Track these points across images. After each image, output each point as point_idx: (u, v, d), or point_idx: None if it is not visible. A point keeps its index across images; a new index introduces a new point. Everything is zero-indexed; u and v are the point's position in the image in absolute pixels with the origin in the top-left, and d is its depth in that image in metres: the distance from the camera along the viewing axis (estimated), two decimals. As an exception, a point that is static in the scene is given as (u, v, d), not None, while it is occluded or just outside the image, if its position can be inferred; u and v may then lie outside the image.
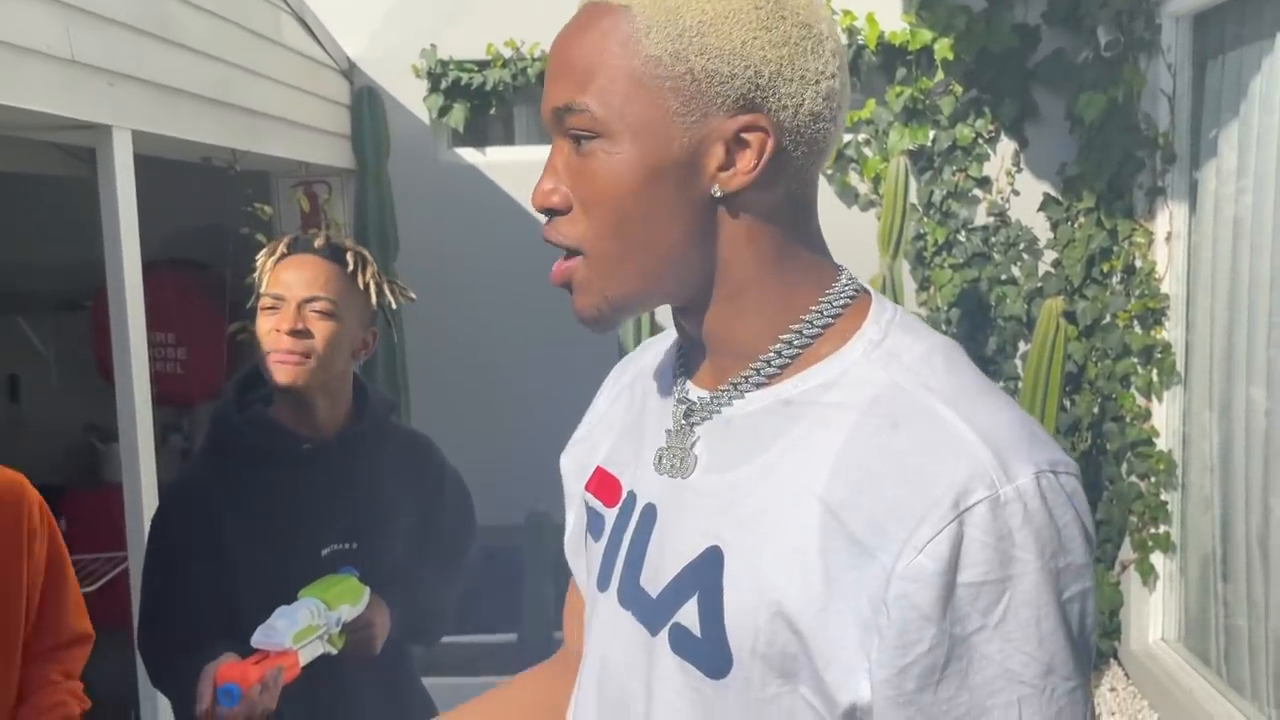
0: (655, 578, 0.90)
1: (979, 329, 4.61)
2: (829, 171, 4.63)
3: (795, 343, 0.88)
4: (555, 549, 1.20)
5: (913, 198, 4.48)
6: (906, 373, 0.84)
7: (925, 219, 4.63)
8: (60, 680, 1.85)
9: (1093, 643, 0.80)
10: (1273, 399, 3.48)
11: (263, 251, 1.90)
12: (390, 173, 4.60)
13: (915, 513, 0.76)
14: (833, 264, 0.92)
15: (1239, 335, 3.68)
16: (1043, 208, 4.56)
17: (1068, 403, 4.47)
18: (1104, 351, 4.44)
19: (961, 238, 4.64)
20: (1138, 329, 4.37)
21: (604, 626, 0.96)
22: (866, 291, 0.92)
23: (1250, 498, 3.62)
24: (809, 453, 0.83)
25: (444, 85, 4.74)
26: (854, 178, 4.68)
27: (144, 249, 2.68)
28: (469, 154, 4.84)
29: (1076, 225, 4.52)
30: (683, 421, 0.93)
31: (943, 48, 4.52)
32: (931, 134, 4.60)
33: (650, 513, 0.93)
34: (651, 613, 0.89)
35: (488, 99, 4.78)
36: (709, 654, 0.84)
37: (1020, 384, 4.22)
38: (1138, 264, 4.38)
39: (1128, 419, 4.39)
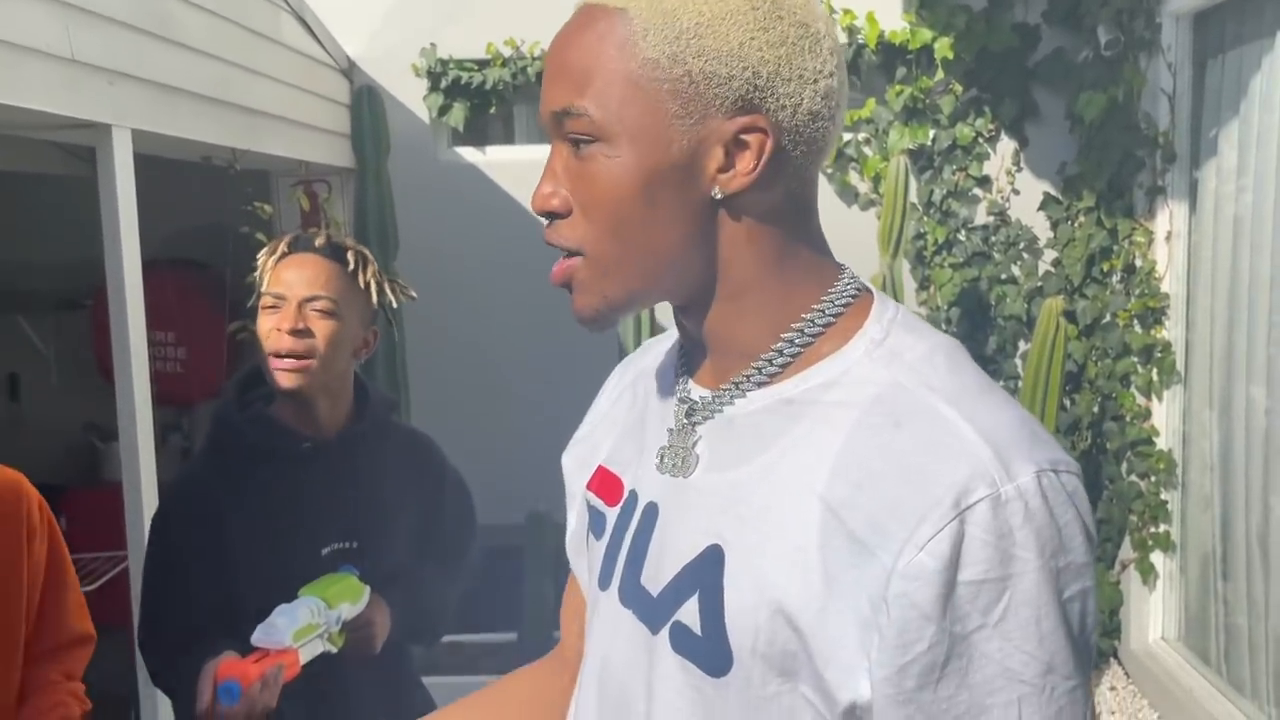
0: (656, 576, 0.90)
1: (979, 328, 4.61)
2: (829, 171, 4.63)
3: (797, 342, 0.88)
4: (555, 548, 1.20)
5: (913, 197, 4.48)
6: (908, 372, 0.84)
7: (925, 218, 4.63)
8: (61, 681, 1.84)
9: (1093, 642, 0.80)
10: (1273, 398, 3.48)
11: (264, 250, 1.90)
12: (390, 172, 4.60)
13: (916, 511, 0.76)
14: (834, 263, 0.92)
15: (1239, 334, 3.68)
16: (1043, 207, 4.56)
17: (1068, 402, 4.47)
18: (1104, 351, 4.44)
19: (961, 237, 4.64)
20: (1138, 328, 4.37)
21: (605, 625, 0.96)
22: (868, 290, 0.92)
23: (1250, 497, 3.62)
24: (810, 451, 0.83)
25: (444, 84, 4.74)
26: (854, 177, 4.68)
27: (144, 248, 2.68)
28: (469, 153, 4.84)
29: (1076, 224, 4.52)
30: (684, 421, 0.93)
31: (943, 47, 4.52)
32: (931, 133, 4.60)
33: (652, 511, 0.93)
34: (652, 611, 0.90)
35: (487, 98, 4.78)
36: (709, 652, 0.84)
37: (1020, 383, 4.23)
38: (1138, 263, 4.38)
39: (1128, 418, 4.39)
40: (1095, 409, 4.44)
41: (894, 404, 0.82)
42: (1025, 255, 4.63)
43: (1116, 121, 4.30)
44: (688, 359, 0.97)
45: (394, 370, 4.49)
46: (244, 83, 3.43)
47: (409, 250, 4.57)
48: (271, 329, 1.82)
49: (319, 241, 1.88)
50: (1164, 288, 4.30)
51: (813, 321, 0.88)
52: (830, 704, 0.80)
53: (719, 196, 0.85)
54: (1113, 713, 4.21)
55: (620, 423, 1.04)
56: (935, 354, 0.85)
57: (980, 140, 4.61)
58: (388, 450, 1.99)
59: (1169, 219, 4.25)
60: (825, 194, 4.52)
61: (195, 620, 1.81)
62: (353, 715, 1.89)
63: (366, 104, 4.57)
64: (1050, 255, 4.62)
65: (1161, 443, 4.34)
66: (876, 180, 4.61)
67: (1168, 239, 4.26)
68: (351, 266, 1.88)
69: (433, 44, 4.73)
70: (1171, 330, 4.28)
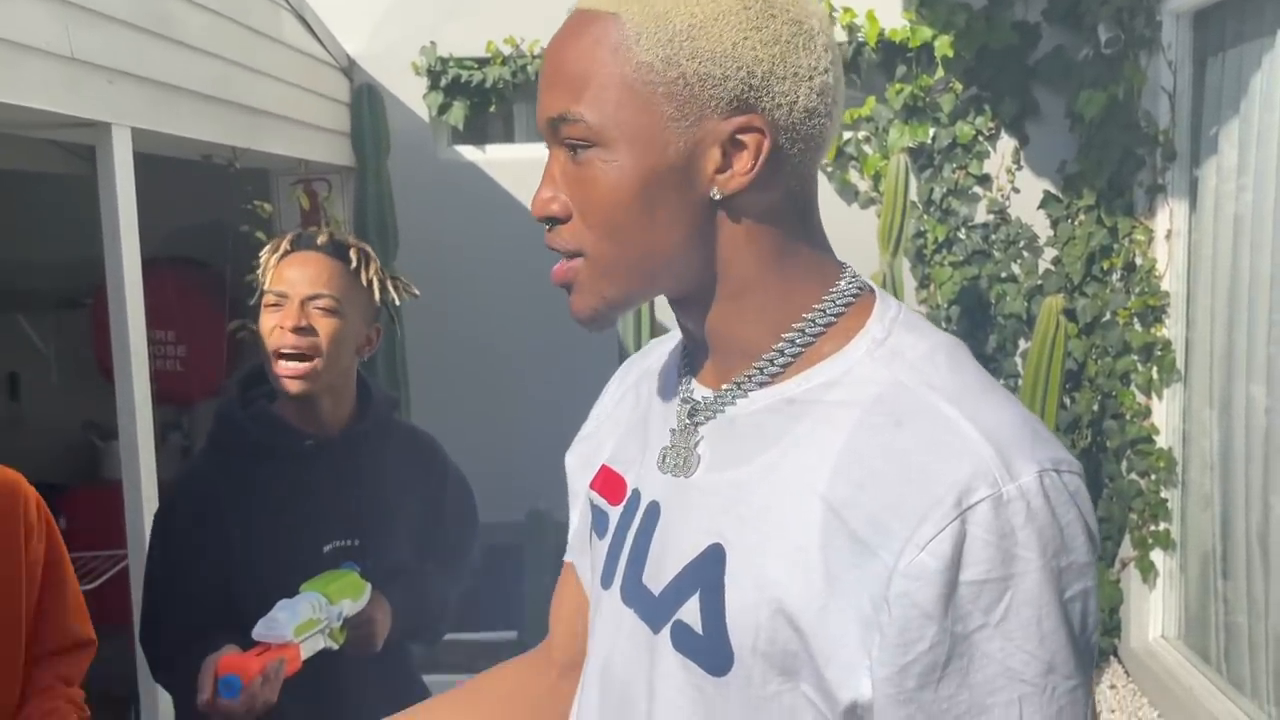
0: (658, 576, 0.90)
1: (979, 327, 4.61)
2: (829, 169, 4.63)
3: (798, 341, 0.88)
4: (556, 546, 1.20)
5: (913, 195, 4.48)
6: (910, 371, 0.84)
7: (925, 216, 4.63)
8: (59, 686, 1.83)
9: (1094, 642, 0.79)
10: (1273, 396, 3.48)
11: (266, 248, 1.90)
12: (390, 170, 4.60)
13: (917, 511, 0.76)
14: (835, 261, 0.92)
15: (1239, 333, 3.68)
16: (1043, 205, 4.56)
17: (1068, 400, 4.47)
18: (1104, 349, 4.44)
19: (961, 235, 4.64)
20: (1138, 326, 4.37)
21: (607, 624, 0.96)
22: (870, 289, 0.92)
23: (1250, 495, 3.62)
24: (811, 451, 0.83)
25: (444, 82, 4.74)
26: (854, 175, 4.68)
27: (144, 247, 2.68)
28: (469, 151, 4.84)
29: (1077, 223, 4.52)
30: (687, 421, 0.93)
31: (943, 45, 4.52)
32: (931, 131, 4.60)
33: (654, 511, 0.93)
34: (654, 610, 0.90)
35: (487, 96, 4.77)
36: (710, 651, 0.84)
37: (1020, 382, 4.23)
38: (1138, 261, 4.38)
39: (1128, 416, 4.39)
40: (1095, 407, 4.44)
41: (895, 403, 0.82)
42: (1025, 253, 4.63)
43: (1117, 120, 4.29)
44: (690, 359, 0.97)
45: (394, 368, 4.49)
46: (244, 81, 3.43)
47: (409, 249, 4.57)
48: (274, 327, 1.82)
49: (321, 239, 1.88)
50: (1164, 286, 4.30)
51: (814, 321, 0.88)
52: (831, 703, 0.80)
53: (717, 197, 0.85)
54: (1113, 711, 4.21)
55: (623, 422, 1.04)
56: (937, 353, 0.85)
57: (980, 138, 4.61)
58: (390, 448, 1.99)
59: (1169, 217, 4.25)
60: (825, 192, 4.52)
61: (197, 616, 1.81)
62: (353, 712, 1.89)
63: (366, 102, 4.57)
64: (1050, 253, 4.62)
65: (1161, 441, 4.34)
66: (876, 178, 4.61)
67: (1168, 237, 4.26)
68: (354, 264, 1.88)
69: (433, 42, 4.73)
70: (1171, 329, 4.28)
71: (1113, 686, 4.37)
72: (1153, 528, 4.32)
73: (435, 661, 3.60)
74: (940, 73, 4.58)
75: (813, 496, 0.81)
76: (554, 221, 0.89)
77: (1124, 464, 4.41)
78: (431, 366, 4.63)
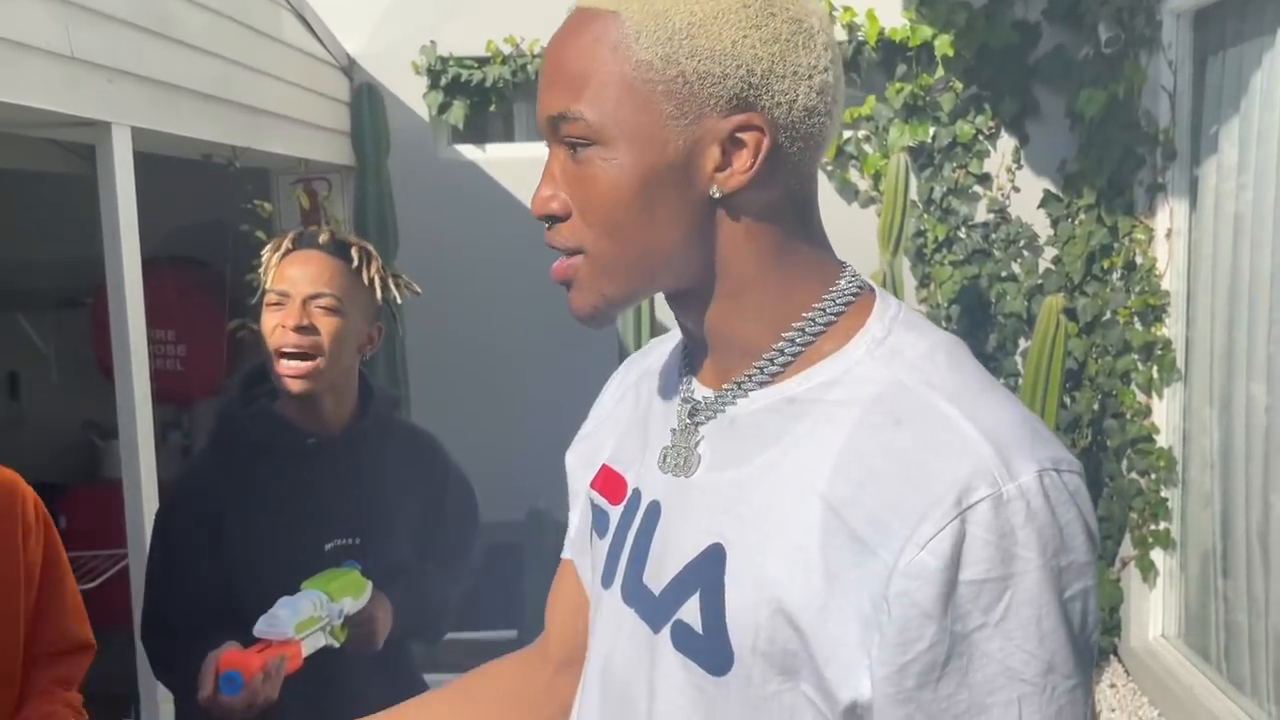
0: (658, 575, 0.90)
1: (979, 326, 4.61)
2: (829, 168, 4.63)
3: (798, 340, 0.88)
4: (556, 546, 1.20)
5: (913, 194, 4.48)
6: (909, 370, 0.84)
7: (925, 216, 4.63)
8: (56, 690, 1.83)
9: (1094, 641, 0.79)
10: (1273, 395, 3.48)
11: (268, 247, 1.90)
12: (390, 169, 4.60)
13: (917, 510, 0.76)
14: (835, 260, 0.92)
15: (1239, 331, 3.68)
16: (1043, 204, 4.56)
17: (1068, 399, 4.47)
18: (1104, 348, 4.43)
19: (962, 234, 4.64)
20: (1138, 325, 4.37)
21: (608, 624, 0.96)
22: (870, 288, 0.92)
23: (1250, 494, 3.62)
24: (811, 450, 0.83)
25: (444, 82, 4.74)
26: (854, 174, 4.68)
27: (144, 246, 2.68)
28: (469, 150, 4.84)
29: (1077, 222, 4.51)
30: (687, 420, 0.93)
31: (943, 44, 4.52)
32: (932, 130, 4.60)
33: (654, 510, 0.93)
34: (654, 610, 0.90)
35: (487, 95, 4.77)
36: (710, 651, 0.84)
37: (1020, 381, 4.23)
38: (1138, 260, 4.38)
39: (1128, 415, 4.39)
40: (1095, 406, 4.44)
41: (895, 402, 0.82)
42: (1025, 253, 4.63)
43: (1117, 119, 4.29)
44: (690, 359, 0.97)
45: (394, 367, 4.49)
46: (244, 80, 3.43)
47: (409, 248, 4.57)
48: (276, 326, 1.82)
49: (323, 238, 1.88)
50: (1164, 285, 4.30)
51: (814, 320, 0.88)
52: (831, 703, 0.80)
53: (717, 195, 0.85)
54: (1113, 710, 4.21)
55: (624, 422, 1.04)
56: (936, 352, 0.85)
57: (980, 137, 4.61)
58: (391, 447, 1.99)
59: (1169, 216, 4.25)
60: (825, 191, 4.52)
61: (198, 615, 1.81)
62: (354, 710, 1.89)
63: (366, 102, 4.56)
64: (1050, 252, 4.62)
65: (1162, 440, 4.34)
66: (877, 178, 4.61)
67: (1168, 236, 4.26)
68: (356, 263, 1.88)
69: (433, 41, 4.73)
70: (1172, 327, 4.28)
71: (1113, 685, 4.37)
72: (1153, 527, 4.32)
73: (436, 660, 3.60)
74: (940, 72, 4.58)
75: (813, 496, 0.81)
76: (554, 219, 0.89)
77: (1124, 463, 4.41)
78: (431, 366, 4.63)
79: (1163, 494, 4.32)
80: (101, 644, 1.96)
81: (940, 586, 0.75)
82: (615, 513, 0.98)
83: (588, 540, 1.05)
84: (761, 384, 0.89)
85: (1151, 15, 4.15)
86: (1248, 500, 3.64)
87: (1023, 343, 4.61)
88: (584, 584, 1.10)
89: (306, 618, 1.68)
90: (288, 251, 1.87)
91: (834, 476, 0.81)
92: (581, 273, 0.88)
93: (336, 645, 1.76)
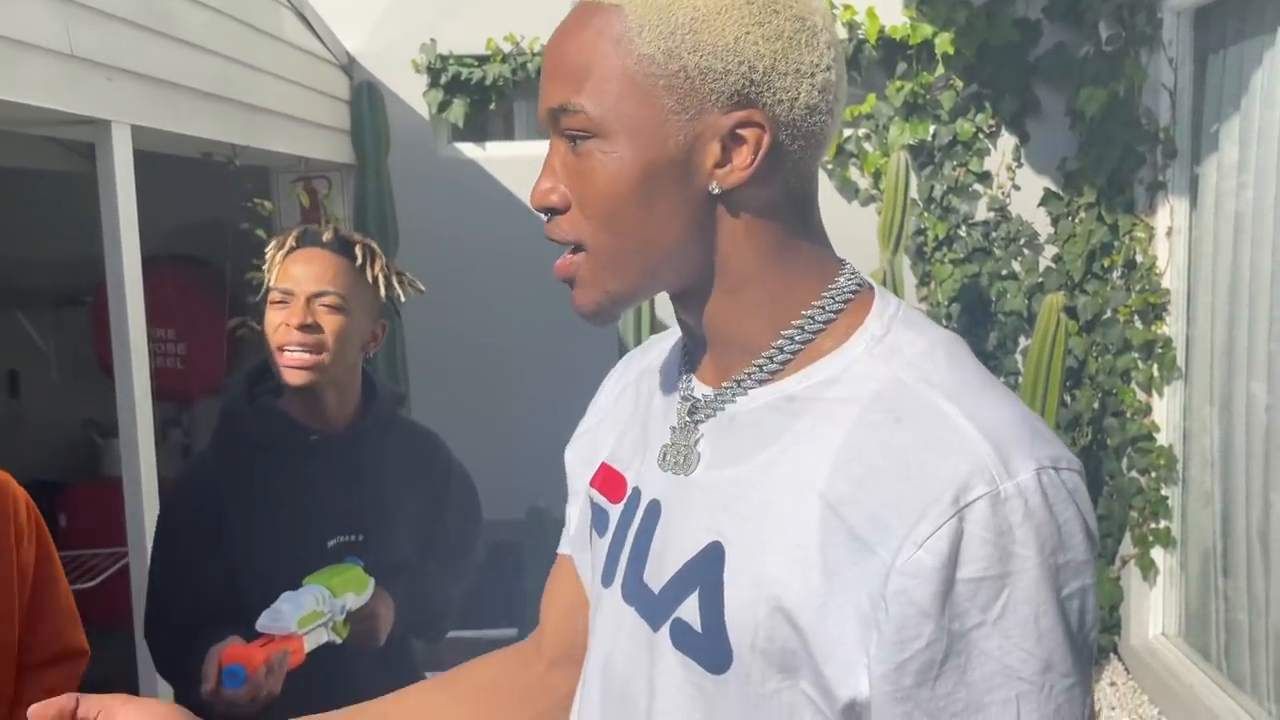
0: (658, 574, 0.90)
1: (979, 324, 4.61)
2: (829, 166, 4.63)
3: (798, 338, 0.88)
4: (556, 544, 1.20)
5: (913, 193, 4.47)
6: (908, 368, 0.84)
7: (926, 214, 4.63)
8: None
9: (1093, 640, 0.79)
10: (1273, 394, 3.48)
11: (271, 245, 1.90)
12: (390, 168, 4.60)
13: (915, 508, 0.76)
14: (835, 258, 0.92)
15: (1239, 330, 3.68)
16: (1043, 203, 4.56)
17: (1068, 398, 4.47)
18: (1104, 347, 4.43)
19: (962, 233, 4.64)
20: (1138, 324, 4.37)
21: (607, 623, 0.96)
22: (869, 286, 0.92)
23: (1251, 493, 3.62)
24: (811, 448, 0.83)
25: (444, 80, 4.74)
26: (854, 173, 4.68)
27: (144, 244, 2.68)
28: (469, 149, 4.84)
29: (1077, 220, 4.51)
30: (687, 418, 0.93)
31: (943, 42, 4.51)
32: (932, 129, 4.60)
33: (654, 509, 0.93)
34: (653, 608, 0.90)
35: (487, 94, 4.77)
36: (709, 649, 0.84)
37: (1021, 379, 4.23)
38: (1138, 259, 4.38)
39: (1128, 414, 4.39)
40: (1096, 405, 4.44)
41: (894, 400, 0.82)
42: (1026, 251, 4.63)
43: (1117, 117, 4.29)
44: (690, 357, 0.97)
45: (394, 365, 4.49)
46: (244, 79, 3.43)
47: (409, 246, 4.57)
48: (280, 324, 1.83)
49: (327, 236, 1.88)
50: (1165, 283, 4.30)
51: (813, 318, 0.88)
52: (830, 701, 0.80)
53: (716, 191, 0.85)
54: (1113, 708, 4.21)
55: (623, 420, 1.04)
56: (935, 350, 0.85)
57: (981, 136, 4.60)
58: (394, 444, 1.99)
59: (1170, 214, 4.25)
60: (825, 189, 4.52)
61: (201, 610, 1.81)
62: (355, 708, 1.89)
63: (366, 100, 4.56)
64: (1051, 251, 4.62)
65: (1162, 438, 4.34)
66: (877, 176, 4.61)
67: (1168, 235, 4.26)
68: (359, 261, 1.88)
69: (433, 40, 4.73)
70: (1172, 326, 4.28)
71: (1113, 684, 4.37)
72: (1153, 525, 4.32)
73: (437, 659, 3.60)
74: (941, 70, 4.58)
75: (812, 494, 0.81)
76: (553, 212, 0.89)
77: (1124, 461, 4.41)
78: (431, 364, 4.63)
79: (1163, 492, 4.32)
80: (102, 644, 1.95)
81: (938, 585, 0.75)
82: (615, 511, 0.98)
83: (587, 538, 1.05)
84: (761, 382, 0.89)
85: (1152, 13, 4.15)
86: (1248, 499, 3.64)
87: (1023, 341, 4.61)
88: (583, 582, 1.10)
89: (309, 612, 1.68)
90: (292, 249, 1.87)
91: (833, 474, 0.81)
92: (584, 269, 0.88)
93: (339, 641, 1.77)
